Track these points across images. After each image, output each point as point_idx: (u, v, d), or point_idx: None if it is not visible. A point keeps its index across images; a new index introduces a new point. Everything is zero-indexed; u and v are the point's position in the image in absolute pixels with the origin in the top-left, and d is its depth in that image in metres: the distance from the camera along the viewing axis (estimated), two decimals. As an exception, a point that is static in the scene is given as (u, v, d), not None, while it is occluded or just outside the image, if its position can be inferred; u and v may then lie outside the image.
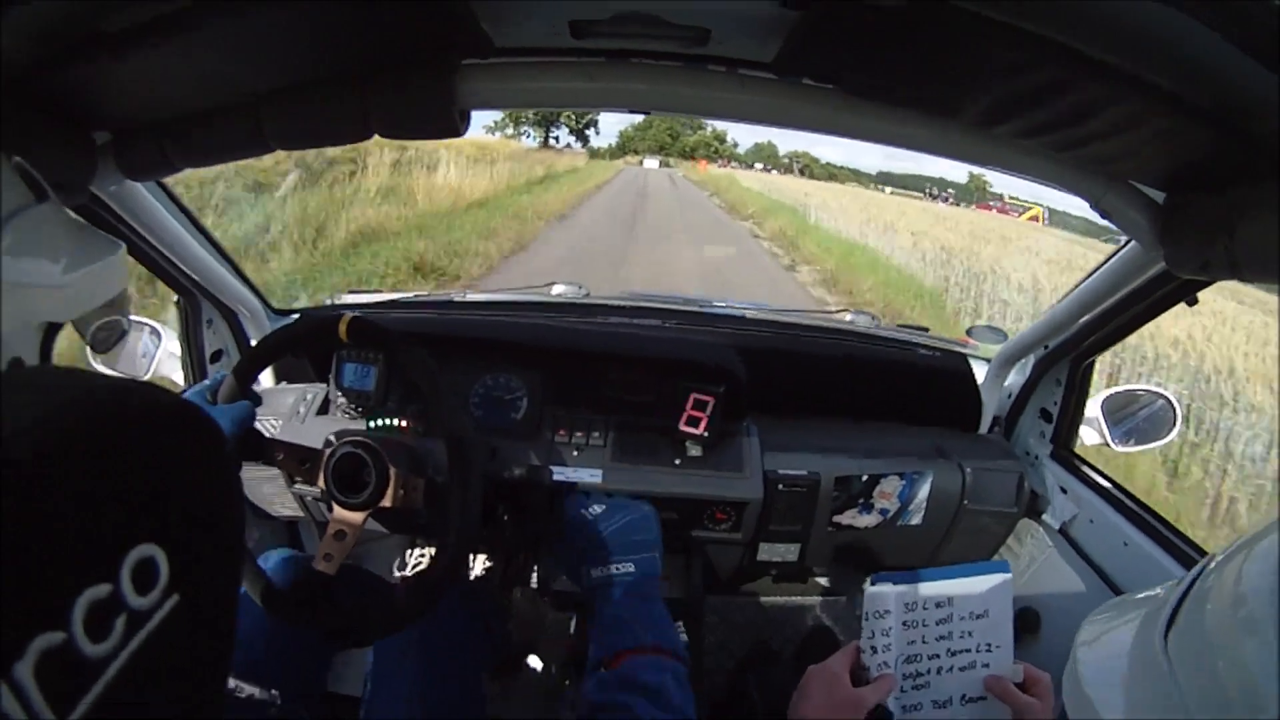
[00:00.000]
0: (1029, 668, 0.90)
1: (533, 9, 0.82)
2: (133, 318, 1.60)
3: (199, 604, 0.40)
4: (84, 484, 0.33)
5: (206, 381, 1.19)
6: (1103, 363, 1.53)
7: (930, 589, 0.91)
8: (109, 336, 1.60)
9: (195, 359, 1.61)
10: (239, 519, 0.47)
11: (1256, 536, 0.51)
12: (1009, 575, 0.91)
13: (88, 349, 1.37)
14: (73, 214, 0.86)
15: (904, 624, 0.90)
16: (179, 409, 0.41)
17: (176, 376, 1.62)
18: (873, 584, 0.92)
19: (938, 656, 0.90)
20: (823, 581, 2.11)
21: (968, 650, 0.90)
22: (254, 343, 1.67)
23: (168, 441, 0.39)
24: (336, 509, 1.16)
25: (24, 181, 0.74)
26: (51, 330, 0.81)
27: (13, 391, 0.34)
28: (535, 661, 1.66)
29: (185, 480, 0.40)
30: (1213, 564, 0.54)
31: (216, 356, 1.65)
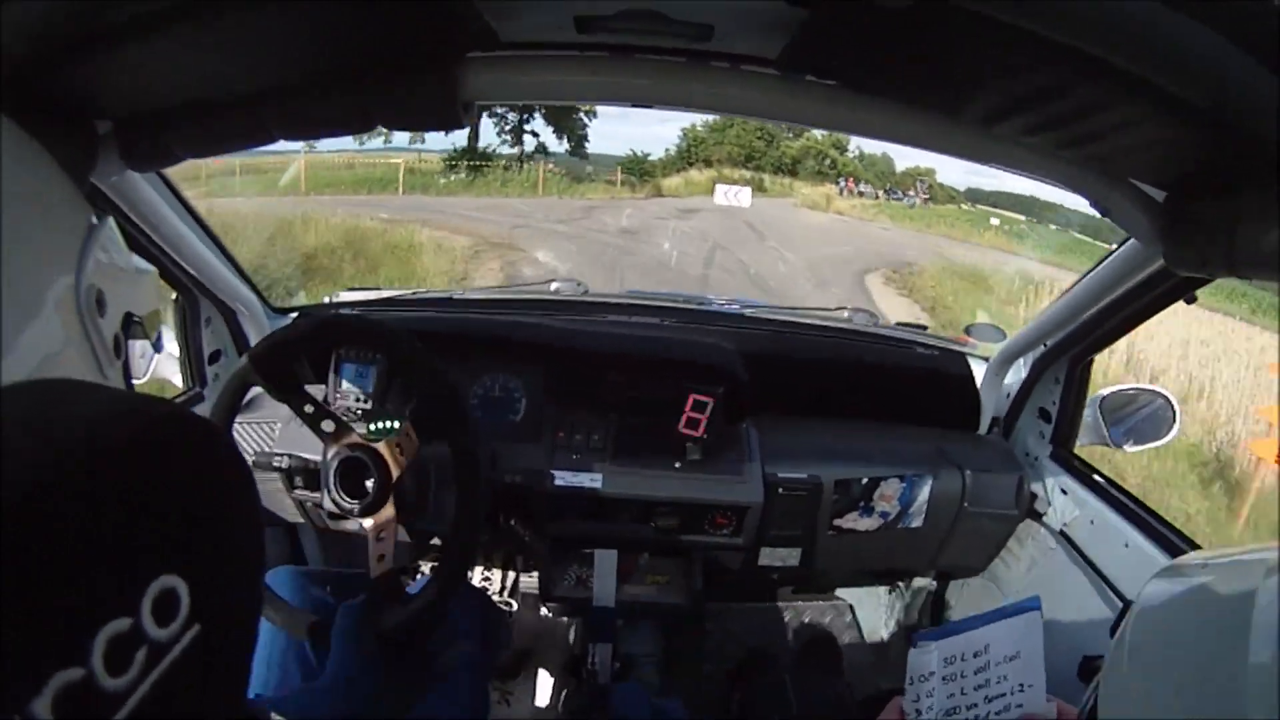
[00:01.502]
0: (1061, 704, 0.91)
1: (538, 4, 0.83)
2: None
3: (219, 633, 0.39)
4: (101, 516, 0.33)
5: None
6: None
7: (968, 640, 0.91)
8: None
9: (193, 359, 1.60)
10: (260, 544, 0.47)
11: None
12: (1038, 612, 0.92)
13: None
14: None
15: (944, 678, 0.91)
16: (202, 432, 0.40)
17: (175, 378, 1.62)
18: (915, 645, 0.93)
19: (976, 705, 0.90)
20: (824, 585, 2.11)
21: (1003, 694, 0.90)
22: (253, 341, 1.66)
23: (189, 462, 0.39)
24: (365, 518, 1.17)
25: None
26: (128, 320, 0.83)
27: (19, 417, 0.33)
28: (540, 672, 1.66)
29: (208, 507, 0.40)
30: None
31: (215, 357, 1.64)
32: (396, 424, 1.41)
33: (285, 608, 1.16)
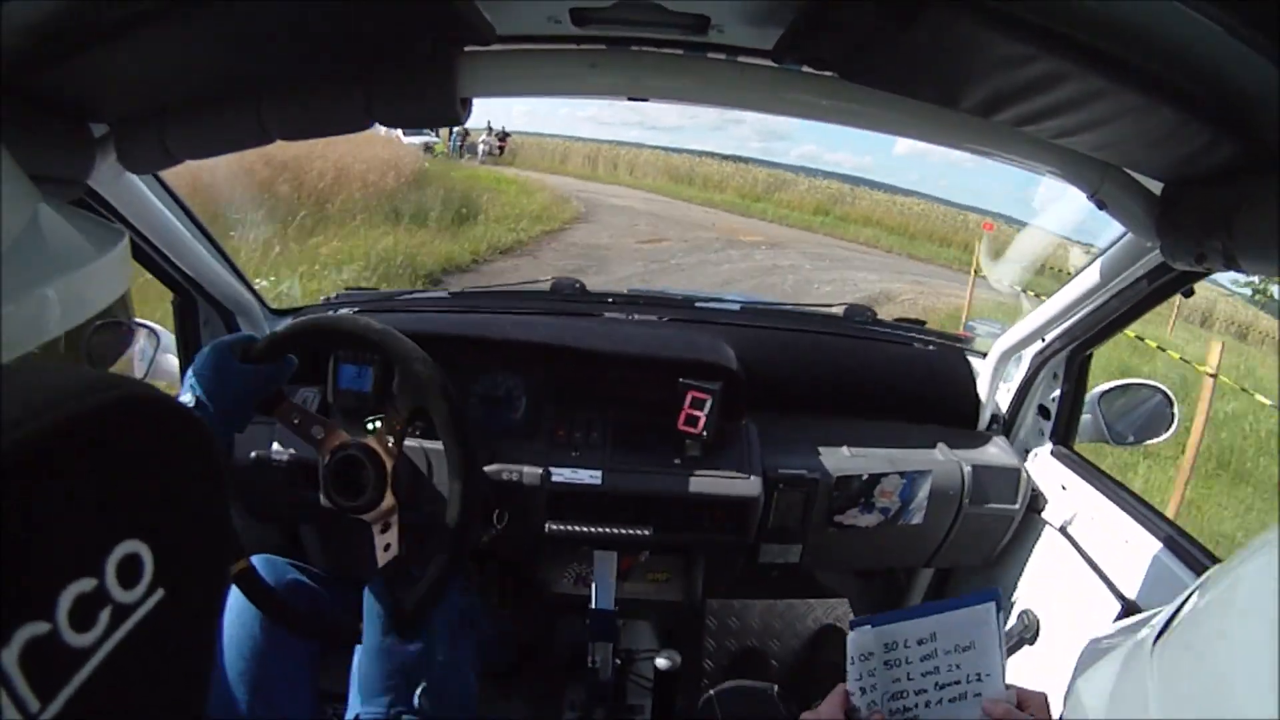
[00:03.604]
0: (1021, 690, 0.91)
1: None
2: (135, 320, 1.60)
3: (183, 599, 0.41)
4: (68, 481, 0.34)
5: (235, 336, 1.17)
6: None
7: (911, 627, 0.92)
8: (110, 343, 1.57)
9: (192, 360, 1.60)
10: (224, 516, 0.48)
11: (1253, 551, 0.51)
12: (992, 604, 0.92)
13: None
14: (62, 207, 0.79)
15: (885, 663, 0.92)
16: (163, 405, 0.41)
17: (174, 378, 1.62)
18: (853, 627, 0.93)
19: (924, 691, 0.91)
20: (825, 583, 2.11)
21: (956, 682, 0.91)
22: None
23: (152, 438, 0.40)
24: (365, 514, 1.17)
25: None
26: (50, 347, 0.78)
27: None
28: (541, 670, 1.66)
29: (170, 477, 0.41)
30: (1209, 577, 0.55)
31: None
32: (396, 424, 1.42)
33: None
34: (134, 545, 0.37)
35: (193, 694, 0.44)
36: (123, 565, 0.36)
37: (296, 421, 1.19)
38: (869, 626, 0.92)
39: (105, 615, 0.35)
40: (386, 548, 1.15)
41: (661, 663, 1.47)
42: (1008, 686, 0.91)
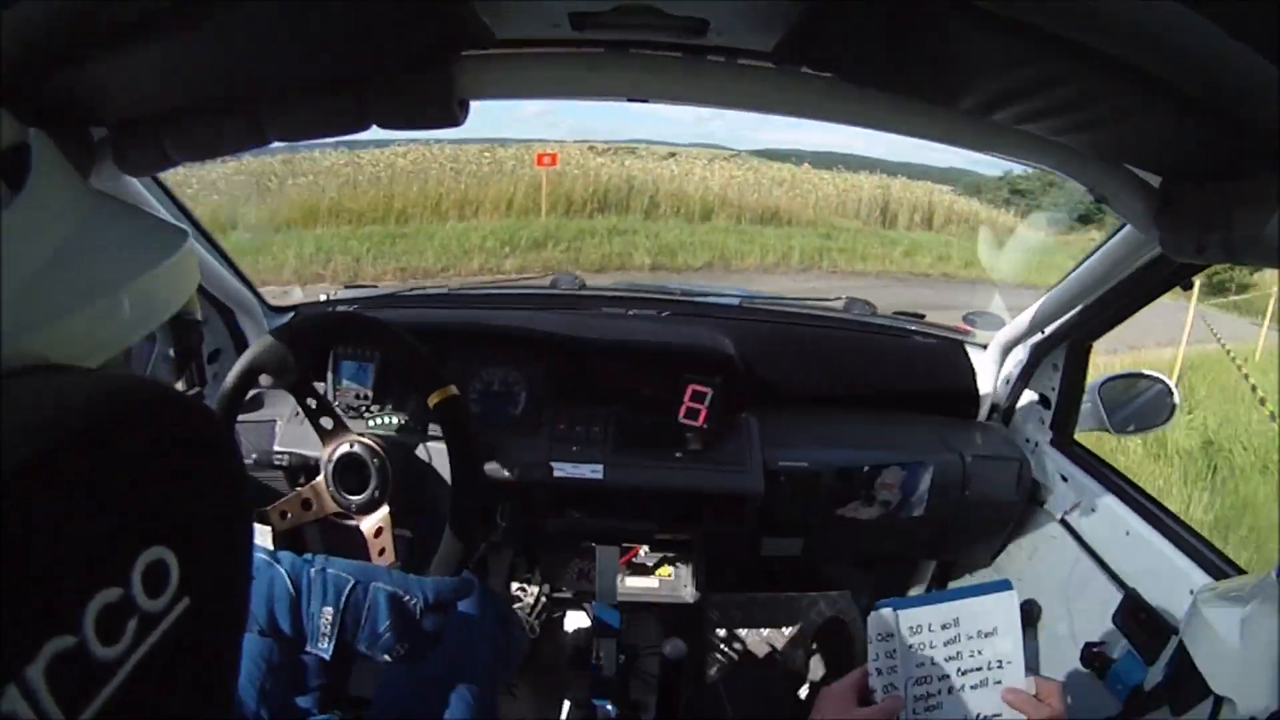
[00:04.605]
0: (1039, 679, 0.92)
1: (534, 3, 0.83)
2: None
3: (209, 606, 0.40)
4: (91, 489, 0.33)
5: None
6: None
7: (934, 612, 0.92)
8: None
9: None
10: (247, 520, 0.48)
11: None
12: (1013, 592, 0.93)
13: None
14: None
15: (910, 646, 0.92)
16: (179, 404, 0.41)
17: (173, 377, 1.62)
18: (876, 609, 0.94)
19: (948, 677, 0.91)
20: (827, 576, 2.12)
21: (978, 669, 0.91)
22: (251, 340, 1.66)
23: (173, 442, 0.39)
24: (362, 518, 1.17)
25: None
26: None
27: (13, 397, 0.34)
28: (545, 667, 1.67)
29: (191, 478, 0.40)
30: None
31: (214, 356, 1.64)
32: (395, 419, 1.42)
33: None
34: (160, 551, 0.36)
35: (218, 704, 0.44)
36: (148, 572, 0.36)
37: (312, 406, 1.20)
38: (891, 609, 0.93)
39: (132, 625, 0.35)
40: (381, 552, 1.17)
41: (669, 650, 1.48)
42: (1027, 676, 0.91)
